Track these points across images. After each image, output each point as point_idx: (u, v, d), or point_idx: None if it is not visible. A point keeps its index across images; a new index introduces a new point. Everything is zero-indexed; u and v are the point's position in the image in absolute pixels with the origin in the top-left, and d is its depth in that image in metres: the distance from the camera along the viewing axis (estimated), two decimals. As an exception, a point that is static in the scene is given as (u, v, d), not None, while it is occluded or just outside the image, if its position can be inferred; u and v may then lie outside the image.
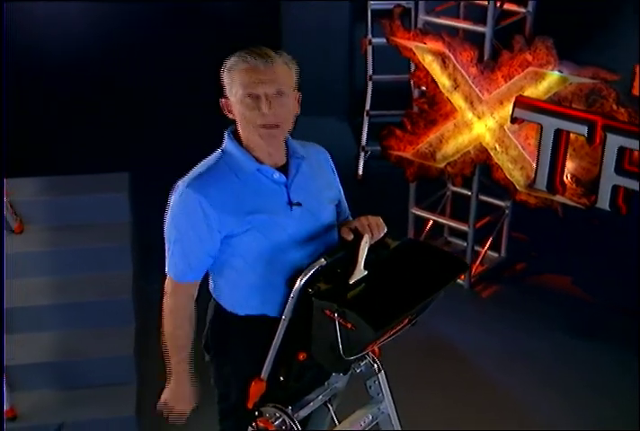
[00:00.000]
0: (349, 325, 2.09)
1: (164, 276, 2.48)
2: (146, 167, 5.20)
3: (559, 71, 4.21)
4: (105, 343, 4.02)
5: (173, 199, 2.38)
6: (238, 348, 2.49)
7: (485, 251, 5.09)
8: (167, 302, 2.48)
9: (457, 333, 4.54)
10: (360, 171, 6.00)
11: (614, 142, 4.08)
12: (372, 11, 5.72)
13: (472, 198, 4.86)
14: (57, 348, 4.00)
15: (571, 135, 4.23)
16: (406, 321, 2.29)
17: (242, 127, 2.37)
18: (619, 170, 4.11)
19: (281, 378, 2.33)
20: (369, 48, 5.84)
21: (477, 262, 5.06)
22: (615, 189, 4.17)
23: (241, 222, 2.35)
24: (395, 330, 2.27)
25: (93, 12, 6.30)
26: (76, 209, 4.29)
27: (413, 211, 5.13)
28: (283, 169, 2.43)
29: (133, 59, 6.26)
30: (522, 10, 4.54)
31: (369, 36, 5.80)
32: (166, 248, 2.44)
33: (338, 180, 2.62)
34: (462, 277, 4.94)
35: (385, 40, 4.75)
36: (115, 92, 6.22)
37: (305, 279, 2.21)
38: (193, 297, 2.48)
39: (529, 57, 4.27)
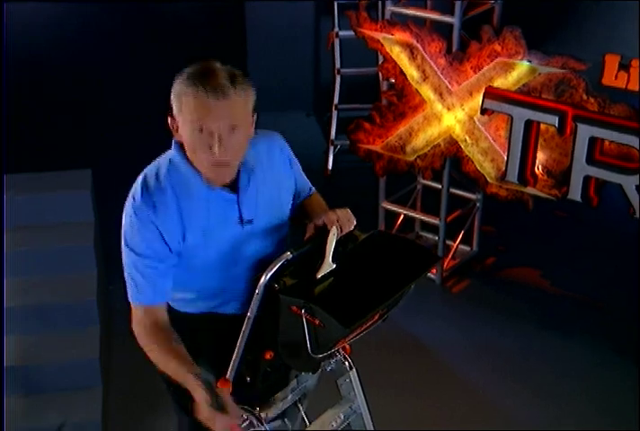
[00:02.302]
0: (316, 322, 2.00)
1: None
2: (109, 164, 5.09)
3: (528, 61, 4.16)
4: (69, 346, 3.91)
5: (125, 213, 2.27)
6: (189, 347, 2.38)
7: (457, 245, 5.03)
8: (141, 333, 2.30)
9: (428, 329, 4.48)
10: (330, 166, 5.92)
11: (585, 132, 4.03)
12: (338, 5, 5.63)
13: (442, 192, 4.80)
14: (19, 352, 3.87)
15: (541, 126, 4.18)
16: (377, 316, 2.20)
17: (189, 153, 2.22)
18: (591, 160, 4.07)
19: (248, 379, 2.24)
20: (336, 42, 5.76)
21: (449, 256, 5.00)
22: (586, 180, 4.12)
23: (189, 238, 2.26)
24: (366, 326, 2.18)
25: (49, 11, 6.16)
26: (37, 208, 4.16)
27: (384, 205, 5.06)
28: (234, 183, 2.30)
29: (95, 60, 6.12)
30: (490, 0, 4.48)
31: (336, 29, 5.72)
32: (125, 273, 2.30)
33: (295, 165, 2.50)
34: (434, 271, 4.89)
35: (352, 34, 4.67)
36: (75, 89, 6.09)
37: (270, 274, 2.11)
38: (167, 319, 2.34)
39: (498, 48, 4.21)
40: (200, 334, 2.44)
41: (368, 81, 5.48)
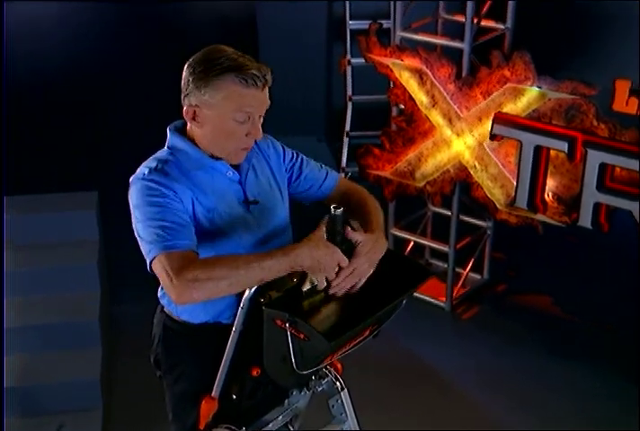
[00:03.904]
0: (301, 336, 1.95)
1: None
2: (116, 186, 5.07)
3: (538, 86, 4.14)
4: (70, 367, 3.88)
5: (132, 193, 2.19)
6: (192, 363, 2.34)
7: (467, 273, 4.97)
8: (187, 276, 1.99)
9: (437, 355, 4.42)
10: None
11: (595, 158, 3.98)
12: (351, 31, 5.65)
13: (452, 219, 4.75)
14: (20, 373, 3.85)
15: (551, 152, 4.14)
16: (367, 332, 2.15)
17: (214, 139, 2.23)
18: (601, 187, 4.01)
19: (234, 396, 2.18)
20: (349, 69, 5.77)
21: (459, 284, 4.94)
22: (597, 206, 4.06)
23: (199, 216, 2.21)
24: (355, 342, 2.13)
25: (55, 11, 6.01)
26: (44, 228, 4.16)
27: (393, 232, 5.01)
28: (235, 167, 2.31)
29: (102, 64, 5.96)
30: (501, 26, 4.47)
31: (348, 56, 5.73)
32: (139, 238, 2.12)
33: (289, 157, 2.46)
34: (443, 298, 4.84)
35: (364, 60, 4.67)
36: (81, 97, 5.99)
37: (255, 287, 2.07)
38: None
39: (508, 73, 4.19)
40: (205, 348, 2.36)
41: (381, 107, 5.47)
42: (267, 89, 2.22)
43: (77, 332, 3.94)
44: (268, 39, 5.83)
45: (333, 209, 2.09)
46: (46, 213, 4.20)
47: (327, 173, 2.53)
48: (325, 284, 2.08)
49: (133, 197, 2.19)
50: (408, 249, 5.05)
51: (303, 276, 2.07)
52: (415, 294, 4.91)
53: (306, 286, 2.06)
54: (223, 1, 5.77)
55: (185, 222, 2.13)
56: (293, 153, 2.49)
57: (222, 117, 2.19)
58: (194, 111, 2.21)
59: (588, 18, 4.55)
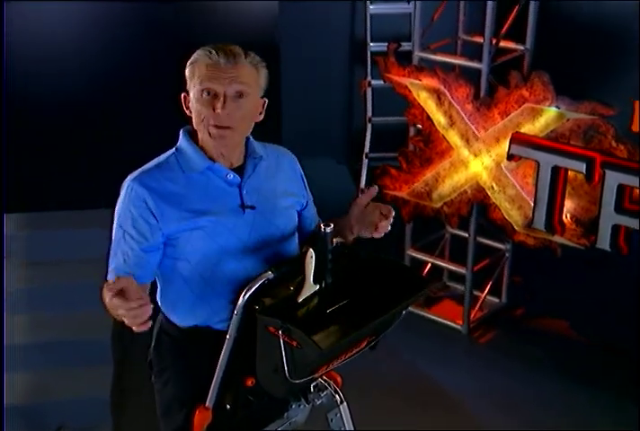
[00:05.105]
0: (294, 343, 1.92)
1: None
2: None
3: (556, 107, 4.10)
4: (80, 385, 3.87)
5: (121, 194, 2.27)
6: (181, 369, 2.31)
7: (484, 296, 4.91)
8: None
9: (452, 379, 4.34)
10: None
11: (613, 179, 3.93)
12: (371, 53, 5.65)
13: (469, 241, 4.70)
14: (29, 390, 3.83)
15: (569, 173, 4.09)
16: (364, 343, 2.10)
17: (196, 123, 2.26)
18: (619, 208, 3.95)
19: (228, 406, 2.15)
20: (369, 91, 5.76)
21: (476, 308, 4.88)
22: (615, 228, 4.00)
23: (186, 220, 2.22)
24: (351, 353, 2.08)
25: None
26: (55, 245, 4.17)
27: (410, 253, 4.97)
28: (239, 170, 2.31)
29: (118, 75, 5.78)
30: (520, 47, 4.45)
31: (369, 78, 5.73)
32: (111, 249, 2.27)
33: (304, 185, 2.49)
34: (460, 321, 4.78)
35: (383, 82, 4.66)
36: (92, 122, 5.90)
37: (249, 294, 2.04)
38: None
39: (526, 93, 4.16)
40: (195, 355, 2.35)
41: (401, 129, 5.45)
42: (242, 70, 2.20)
43: (88, 350, 3.92)
44: (290, 61, 5.84)
45: (322, 227, 2.08)
46: (59, 230, 4.22)
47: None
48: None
49: (120, 198, 2.27)
50: (425, 270, 5.00)
51: (299, 284, 2.04)
52: (432, 316, 4.87)
53: (303, 296, 2.03)
54: (244, 24, 5.77)
55: (137, 253, 2.20)
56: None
57: (196, 93, 2.21)
58: (184, 98, 2.26)
59: (608, 39, 4.52)
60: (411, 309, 4.86)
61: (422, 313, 4.90)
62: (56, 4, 4.98)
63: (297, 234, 2.41)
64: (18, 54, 4.91)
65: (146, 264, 2.24)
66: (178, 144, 2.34)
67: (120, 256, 2.25)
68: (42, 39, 5.06)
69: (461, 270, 4.81)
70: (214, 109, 2.17)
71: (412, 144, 4.69)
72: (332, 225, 2.09)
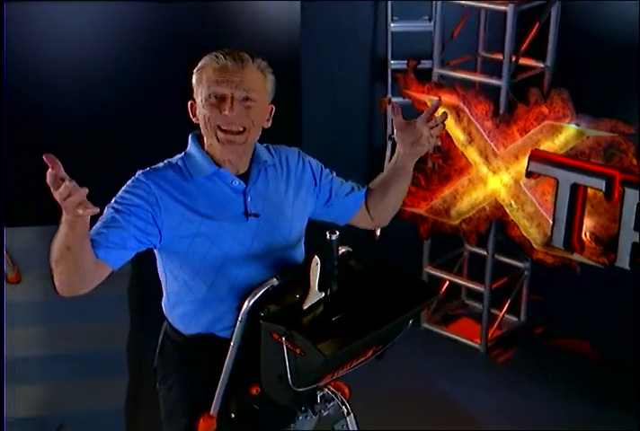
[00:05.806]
0: (297, 350, 1.91)
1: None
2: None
3: (576, 124, 4.08)
4: (95, 396, 3.86)
5: (126, 184, 2.27)
6: (184, 377, 2.31)
7: (503, 315, 4.87)
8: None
9: (466, 396, 4.30)
10: (378, 231, 5.84)
11: (633, 197, 3.89)
12: (392, 70, 5.66)
13: (488, 259, 4.68)
14: (45, 402, 3.84)
15: (589, 190, 4.06)
16: (370, 352, 2.09)
17: (202, 129, 2.26)
18: (639, 226, 3.92)
19: (232, 415, 2.13)
20: (389, 108, 5.77)
21: (495, 326, 4.83)
22: (635, 246, 3.96)
23: (188, 224, 2.21)
24: (357, 362, 2.07)
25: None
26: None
27: (427, 270, 4.94)
28: (245, 176, 2.31)
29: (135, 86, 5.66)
30: (540, 65, 4.44)
31: (389, 95, 5.74)
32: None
33: (314, 171, 2.46)
34: (478, 340, 4.74)
35: (406, 99, 4.66)
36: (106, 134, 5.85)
37: (253, 300, 2.04)
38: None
39: (546, 111, 4.14)
40: (198, 363, 2.34)
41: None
42: (250, 75, 2.20)
43: (104, 361, 3.93)
44: (311, 80, 5.86)
45: (328, 235, 2.07)
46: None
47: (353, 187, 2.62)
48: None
49: (124, 186, 2.27)
50: (443, 288, 4.97)
51: (305, 292, 2.04)
52: (450, 334, 4.83)
53: (308, 303, 2.02)
54: (266, 41, 5.78)
55: (121, 233, 2.14)
56: (329, 171, 2.54)
57: (201, 98, 2.22)
58: (192, 105, 2.27)
59: (629, 57, 4.49)
60: (429, 327, 4.89)
61: (440, 331, 4.87)
62: (57, 4, 4.96)
63: (303, 241, 2.40)
64: (18, 54, 4.88)
65: (118, 248, 2.16)
66: (187, 148, 2.35)
67: (100, 227, 2.17)
68: (44, 40, 5.02)
69: (479, 288, 4.78)
70: (221, 112, 2.17)
71: (430, 160, 4.68)
72: (337, 233, 2.08)
